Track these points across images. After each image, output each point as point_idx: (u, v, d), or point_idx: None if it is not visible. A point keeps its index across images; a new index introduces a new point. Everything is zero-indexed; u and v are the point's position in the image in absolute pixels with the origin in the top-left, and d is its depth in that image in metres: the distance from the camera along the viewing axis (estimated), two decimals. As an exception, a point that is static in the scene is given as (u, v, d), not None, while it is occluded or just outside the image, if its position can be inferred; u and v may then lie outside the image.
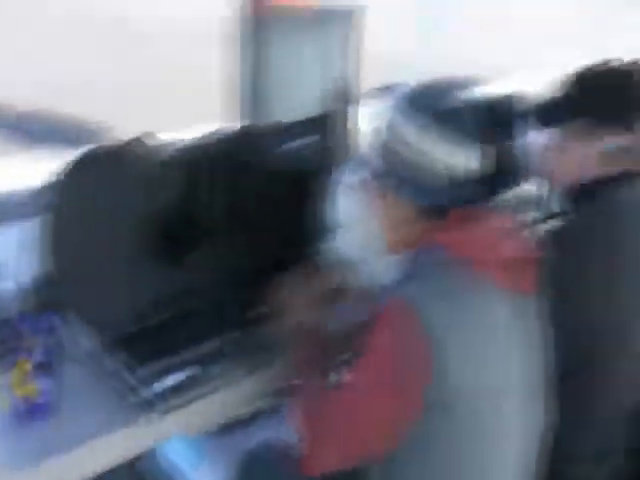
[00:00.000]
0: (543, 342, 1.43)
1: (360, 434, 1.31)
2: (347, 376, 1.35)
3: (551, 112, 1.83)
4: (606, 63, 1.79)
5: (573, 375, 1.65)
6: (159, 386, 1.41)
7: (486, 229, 1.35)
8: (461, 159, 1.31)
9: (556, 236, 1.74)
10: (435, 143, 1.31)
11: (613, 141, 1.73)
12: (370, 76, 2.33)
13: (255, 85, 2.05)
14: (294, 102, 2.09)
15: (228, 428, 2.05)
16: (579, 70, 1.79)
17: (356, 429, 1.31)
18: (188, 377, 1.45)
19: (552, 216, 1.94)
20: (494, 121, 1.56)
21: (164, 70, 6.74)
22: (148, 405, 1.37)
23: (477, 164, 1.33)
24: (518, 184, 2.33)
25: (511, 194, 2.45)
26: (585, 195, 1.75)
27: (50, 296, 1.42)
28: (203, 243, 1.54)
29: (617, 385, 1.73)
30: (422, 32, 4.42)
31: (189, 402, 1.42)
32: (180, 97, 5.95)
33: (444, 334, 1.23)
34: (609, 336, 1.68)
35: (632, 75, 1.80)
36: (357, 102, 2.16)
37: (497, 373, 1.30)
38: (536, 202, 2.40)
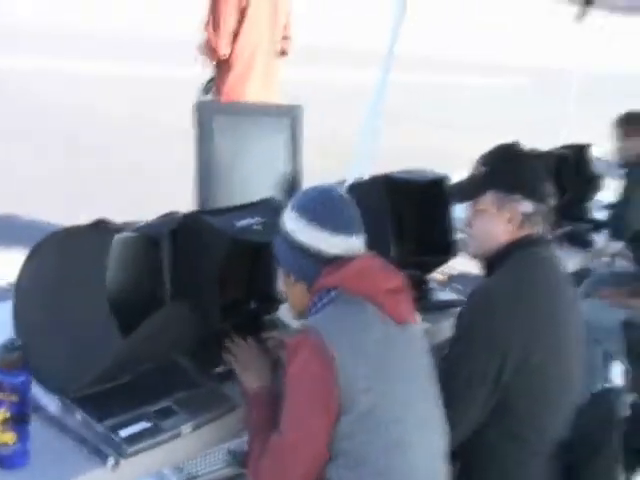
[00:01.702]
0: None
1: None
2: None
3: (469, 188, 2.07)
4: (513, 143, 2.06)
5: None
6: (124, 432, 1.57)
7: (359, 268, 1.65)
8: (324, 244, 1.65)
9: (469, 296, 1.97)
10: (305, 233, 1.66)
11: (519, 209, 1.98)
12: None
13: (209, 172, 2.28)
14: (245, 188, 2.32)
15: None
16: (490, 149, 2.07)
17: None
18: (144, 429, 1.61)
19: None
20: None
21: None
22: (118, 448, 1.53)
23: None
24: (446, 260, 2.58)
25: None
26: (496, 259, 1.99)
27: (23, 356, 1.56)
28: (157, 312, 1.69)
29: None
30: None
31: (147, 449, 1.58)
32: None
33: (343, 349, 1.52)
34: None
35: (536, 152, 2.07)
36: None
37: (390, 378, 1.58)
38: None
